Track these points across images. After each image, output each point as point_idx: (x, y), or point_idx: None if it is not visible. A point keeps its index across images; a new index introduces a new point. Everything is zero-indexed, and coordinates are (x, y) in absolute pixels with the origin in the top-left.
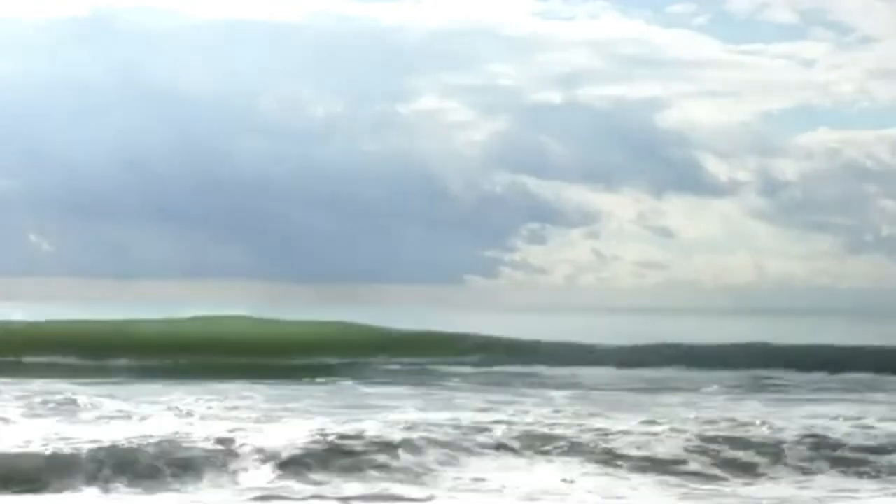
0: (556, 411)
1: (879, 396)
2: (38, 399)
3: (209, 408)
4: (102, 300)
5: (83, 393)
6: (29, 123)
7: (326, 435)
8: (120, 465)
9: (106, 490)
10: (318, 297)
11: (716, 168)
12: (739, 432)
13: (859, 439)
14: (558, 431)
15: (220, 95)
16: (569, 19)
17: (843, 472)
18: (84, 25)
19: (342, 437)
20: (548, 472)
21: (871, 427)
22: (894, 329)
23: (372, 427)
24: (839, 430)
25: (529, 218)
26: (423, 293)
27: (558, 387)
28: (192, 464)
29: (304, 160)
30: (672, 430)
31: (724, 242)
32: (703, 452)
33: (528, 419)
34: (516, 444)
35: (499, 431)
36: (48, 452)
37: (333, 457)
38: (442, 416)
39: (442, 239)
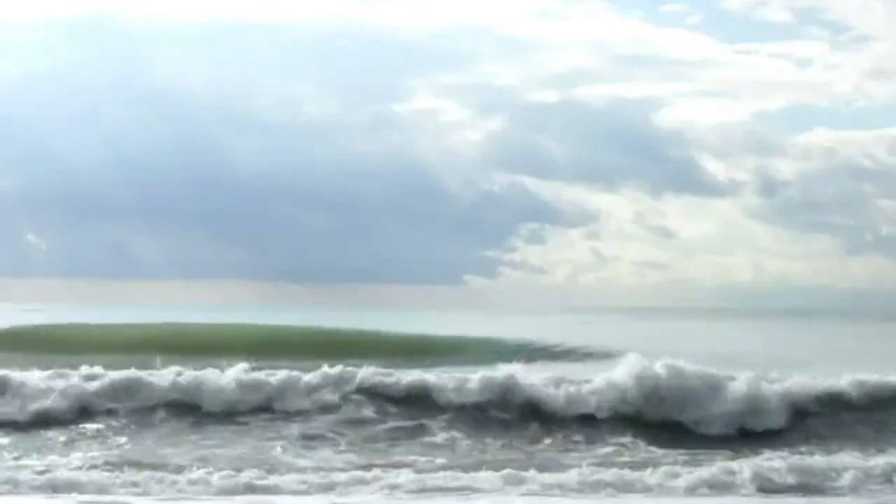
0: None
1: None
2: None
3: None
4: (102, 301)
5: None
6: (27, 123)
7: None
8: None
9: None
10: (317, 298)
11: (714, 168)
12: None
13: None
14: None
15: (217, 95)
16: (565, 19)
17: None
18: (80, 25)
19: None
20: None
21: None
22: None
23: None
24: None
25: (528, 218)
26: (423, 293)
27: None
28: None
29: (302, 159)
30: None
31: (722, 242)
32: None
33: None
34: None
35: None
36: None
37: None
38: None
39: (441, 239)
